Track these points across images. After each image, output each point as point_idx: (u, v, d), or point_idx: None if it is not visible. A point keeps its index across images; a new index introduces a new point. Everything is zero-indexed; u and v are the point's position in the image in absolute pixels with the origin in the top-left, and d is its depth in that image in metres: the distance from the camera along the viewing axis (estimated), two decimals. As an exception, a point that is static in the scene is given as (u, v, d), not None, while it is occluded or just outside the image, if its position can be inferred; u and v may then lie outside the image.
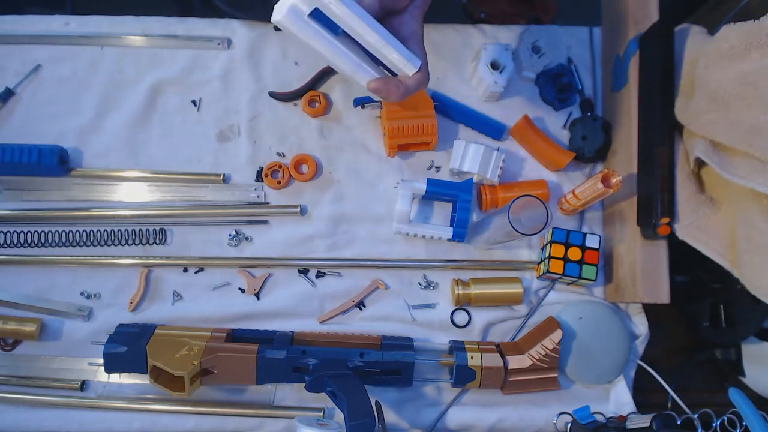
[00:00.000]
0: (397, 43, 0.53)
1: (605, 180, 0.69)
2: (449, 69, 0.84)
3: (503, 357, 0.73)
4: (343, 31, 0.52)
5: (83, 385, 0.74)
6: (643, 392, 0.77)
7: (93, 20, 0.83)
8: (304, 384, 0.69)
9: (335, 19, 0.50)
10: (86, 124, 0.80)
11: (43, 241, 0.77)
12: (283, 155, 0.81)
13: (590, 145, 0.79)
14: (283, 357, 0.69)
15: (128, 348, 0.68)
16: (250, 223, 0.79)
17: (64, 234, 0.77)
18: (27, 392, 0.73)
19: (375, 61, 0.56)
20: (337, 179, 0.81)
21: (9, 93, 0.80)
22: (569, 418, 0.74)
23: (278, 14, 0.50)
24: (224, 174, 0.79)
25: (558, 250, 0.74)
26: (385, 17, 0.55)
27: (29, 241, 0.77)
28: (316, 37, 0.51)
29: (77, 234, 0.77)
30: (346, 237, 0.79)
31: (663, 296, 0.71)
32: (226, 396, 0.75)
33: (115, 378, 0.74)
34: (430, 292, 0.79)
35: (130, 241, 0.77)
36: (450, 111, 0.82)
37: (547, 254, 0.75)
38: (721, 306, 0.76)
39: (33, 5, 0.94)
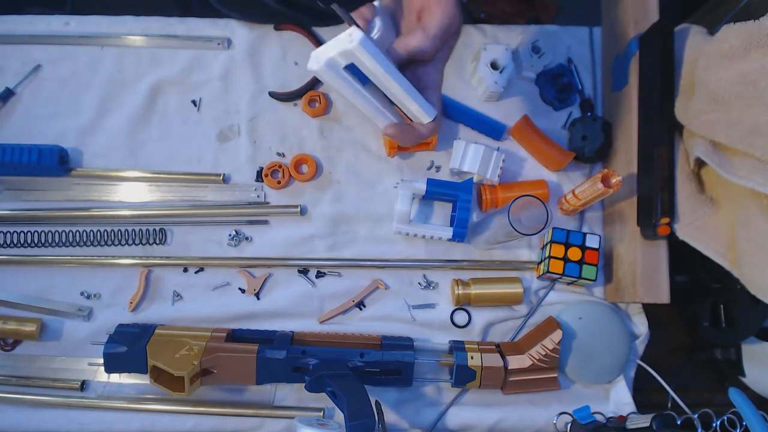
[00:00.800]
0: (417, 95, 0.57)
1: (605, 180, 0.69)
2: (449, 69, 0.84)
3: (503, 357, 0.73)
4: (371, 82, 0.56)
5: (83, 385, 0.74)
6: (643, 392, 0.77)
7: (93, 20, 0.83)
8: (304, 384, 0.69)
9: (366, 73, 0.54)
10: (86, 124, 0.80)
11: (43, 241, 0.77)
12: (283, 155, 0.81)
13: (590, 145, 0.79)
14: (283, 357, 0.69)
15: (128, 348, 0.68)
16: (250, 223, 0.79)
17: (64, 234, 0.77)
18: (27, 392, 0.73)
19: (393, 104, 0.59)
20: (337, 179, 0.81)
21: (9, 93, 0.80)
22: (569, 418, 0.74)
23: (315, 64, 0.53)
24: (224, 174, 0.79)
25: (558, 250, 0.74)
26: (409, 65, 0.58)
27: (29, 241, 0.77)
28: (346, 86, 0.55)
29: (77, 234, 0.77)
30: (346, 237, 0.79)
31: (663, 296, 0.71)
32: (226, 396, 0.75)
33: (115, 378, 0.74)
34: (430, 292, 0.79)
35: (130, 241, 0.77)
36: (450, 111, 0.82)
37: (547, 254, 0.75)
38: (721, 306, 0.76)
39: (33, 5, 0.94)
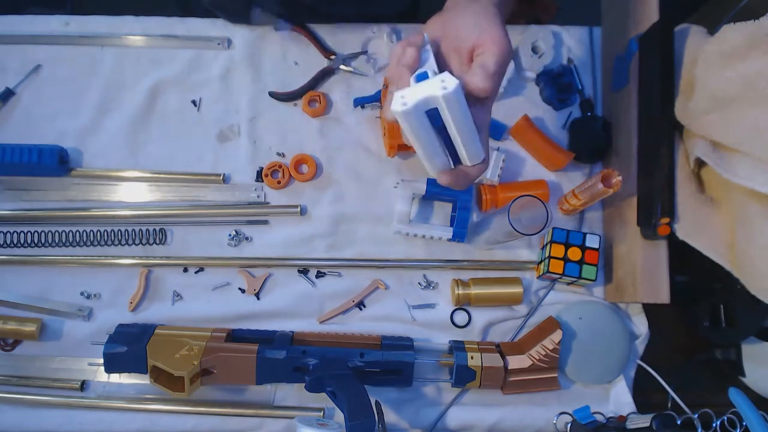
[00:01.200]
0: (477, 138, 0.53)
1: (605, 180, 0.69)
2: (449, 69, 0.84)
3: (503, 357, 0.73)
4: (442, 126, 0.52)
5: (83, 385, 0.74)
6: (643, 392, 0.77)
7: (93, 20, 0.83)
8: (304, 384, 0.69)
9: (445, 117, 0.50)
10: (86, 124, 0.80)
11: (43, 241, 0.77)
12: (283, 155, 0.81)
13: (590, 145, 0.79)
14: (283, 357, 0.69)
15: (128, 348, 0.68)
16: (250, 223, 0.79)
17: (64, 234, 0.77)
18: (27, 392, 0.73)
19: (444, 147, 0.56)
20: (336, 179, 0.81)
21: (9, 93, 0.80)
22: (569, 418, 0.74)
23: (401, 106, 0.49)
24: (224, 174, 0.79)
25: (558, 250, 0.74)
26: None
27: (29, 241, 0.77)
28: (420, 130, 0.51)
29: (77, 234, 0.77)
30: (346, 237, 0.79)
31: (663, 296, 0.71)
32: (226, 396, 0.75)
33: (115, 378, 0.74)
34: (430, 292, 0.79)
35: (130, 241, 0.77)
36: (450, 111, 0.82)
37: (547, 254, 0.75)
38: (721, 306, 0.76)
39: (33, 5, 0.94)
